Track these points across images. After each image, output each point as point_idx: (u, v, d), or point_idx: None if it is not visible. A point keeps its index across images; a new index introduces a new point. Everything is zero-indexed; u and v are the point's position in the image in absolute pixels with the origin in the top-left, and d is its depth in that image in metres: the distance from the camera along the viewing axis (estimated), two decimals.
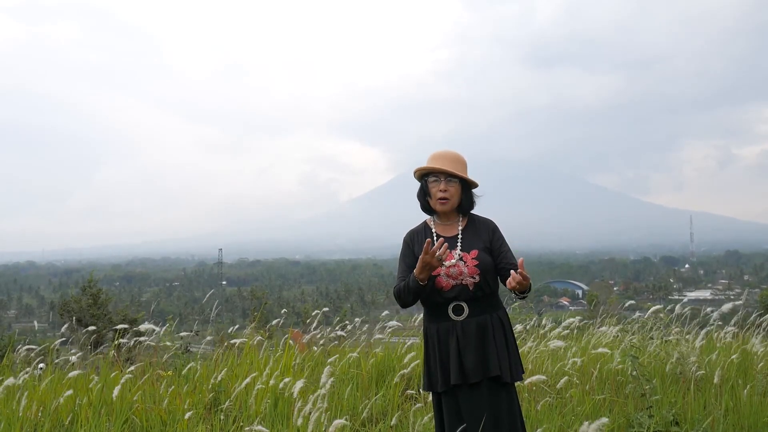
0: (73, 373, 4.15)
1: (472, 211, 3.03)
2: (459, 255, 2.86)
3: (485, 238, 2.93)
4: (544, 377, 3.81)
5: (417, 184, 3.03)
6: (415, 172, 3.02)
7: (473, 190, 2.99)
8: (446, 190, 2.89)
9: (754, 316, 6.59)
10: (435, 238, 2.93)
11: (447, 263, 2.83)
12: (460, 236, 2.92)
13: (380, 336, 6.05)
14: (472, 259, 2.85)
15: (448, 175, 2.89)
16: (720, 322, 6.14)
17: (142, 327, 4.84)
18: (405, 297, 2.85)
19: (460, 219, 2.98)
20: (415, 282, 2.78)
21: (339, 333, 6.69)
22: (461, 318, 2.82)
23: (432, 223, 3.01)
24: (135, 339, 5.40)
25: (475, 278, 2.82)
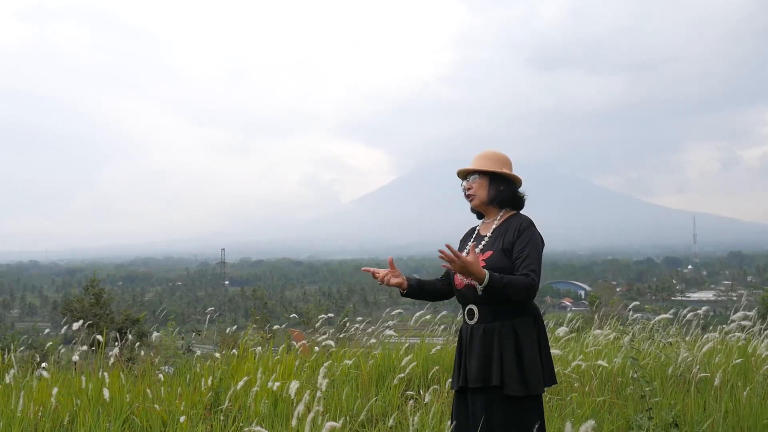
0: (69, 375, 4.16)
1: (522, 211, 2.96)
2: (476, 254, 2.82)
3: (509, 239, 2.78)
4: None
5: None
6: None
7: (519, 188, 2.94)
8: (470, 187, 2.93)
9: (756, 317, 6.55)
10: (475, 235, 2.97)
11: None
12: (488, 236, 2.87)
13: (374, 340, 6.05)
14: (483, 260, 2.77)
15: (468, 173, 2.93)
16: (723, 325, 6.11)
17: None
18: None
19: (499, 216, 2.90)
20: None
21: (339, 334, 6.67)
22: (473, 322, 2.81)
23: (481, 221, 3.04)
24: (137, 341, 5.41)
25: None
